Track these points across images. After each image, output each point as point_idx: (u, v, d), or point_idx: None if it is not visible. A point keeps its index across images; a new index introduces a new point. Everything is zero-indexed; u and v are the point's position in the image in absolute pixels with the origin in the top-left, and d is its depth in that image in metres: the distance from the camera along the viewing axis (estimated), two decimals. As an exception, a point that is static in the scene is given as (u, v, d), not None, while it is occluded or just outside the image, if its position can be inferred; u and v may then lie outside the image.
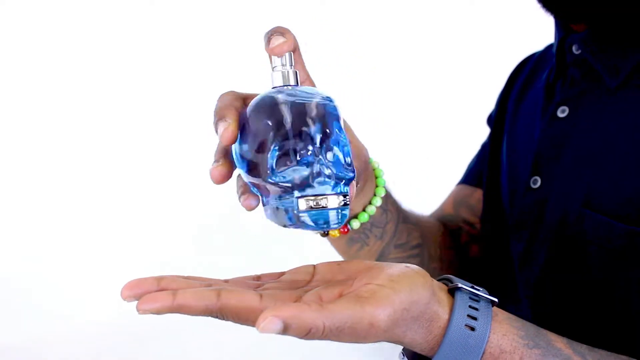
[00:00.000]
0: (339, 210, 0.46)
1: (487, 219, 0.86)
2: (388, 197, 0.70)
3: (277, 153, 0.45)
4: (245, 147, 0.47)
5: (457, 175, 0.96)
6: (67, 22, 1.58)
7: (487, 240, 0.86)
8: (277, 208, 0.47)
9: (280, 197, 0.46)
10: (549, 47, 0.86)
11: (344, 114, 0.59)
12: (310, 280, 0.49)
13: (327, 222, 0.45)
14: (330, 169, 0.46)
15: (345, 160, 0.47)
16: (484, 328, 0.46)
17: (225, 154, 0.49)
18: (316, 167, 0.45)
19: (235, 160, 0.49)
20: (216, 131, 0.47)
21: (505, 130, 0.85)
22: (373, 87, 1.68)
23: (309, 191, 0.45)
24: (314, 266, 0.50)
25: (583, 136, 0.68)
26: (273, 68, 0.48)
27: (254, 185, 0.48)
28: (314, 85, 0.56)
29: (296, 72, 0.49)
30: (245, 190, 0.50)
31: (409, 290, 0.43)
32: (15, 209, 1.50)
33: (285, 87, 0.48)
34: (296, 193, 0.45)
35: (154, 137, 1.64)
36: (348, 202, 0.46)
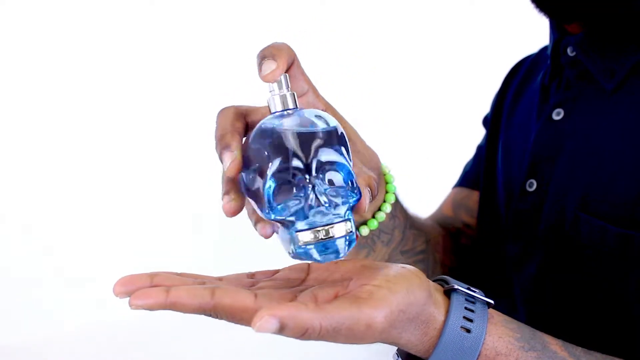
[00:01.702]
0: (347, 238, 0.44)
1: (482, 221, 0.86)
2: (397, 203, 0.69)
3: (273, 186, 0.43)
4: (248, 178, 0.45)
5: (456, 175, 0.96)
6: (67, 22, 1.58)
7: (482, 242, 0.86)
8: (284, 238, 0.45)
9: (286, 227, 0.44)
10: (544, 49, 0.86)
11: (347, 116, 0.59)
12: (305, 279, 0.49)
13: (335, 252, 0.44)
14: (329, 197, 0.43)
15: (348, 184, 0.44)
16: (480, 330, 0.46)
17: (233, 185, 0.47)
18: (313, 197, 0.43)
19: (242, 190, 0.47)
20: (220, 160, 0.45)
21: (501, 133, 0.85)
22: (373, 87, 1.68)
23: (309, 222, 0.43)
24: (309, 264, 0.50)
25: (578, 139, 0.68)
26: (270, 92, 0.47)
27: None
28: (317, 94, 0.54)
29: (294, 94, 0.47)
30: (259, 217, 0.48)
31: (406, 291, 0.43)
32: (14, 209, 1.51)
33: (286, 112, 0.46)
34: (299, 225, 0.43)
35: (150, 136, 1.63)
36: (352, 230, 0.44)
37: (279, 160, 0.43)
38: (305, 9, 1.68)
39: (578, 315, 0.67)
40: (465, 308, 0.47)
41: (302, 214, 0.43)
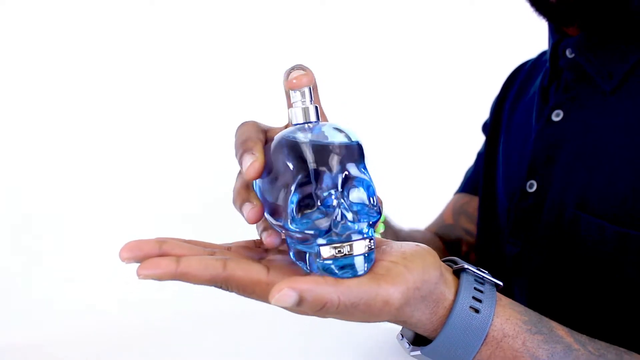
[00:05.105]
0: (365, 256, 0.42)
1: (482, 222, 0.86)
2: (387, 229, 0.69)
3: (297, 198, 0.42)
4: (266, 188, 0.44)
5: (455, 175, 0.97)
6: (67, 22, 1.58)
7: (482, 242, 0.87)
8: (300, 252, 0.44)
9: (303, 242, 0.43)
10: (542, 54, 0.87)
11: (346, 117, 0.59)
12: None
13: (353, 269, 0.42)
14: (353, 213, 0.42)
15: (370, 201, 0.43)
16: (489, 311, 0.46)
17: (251, 191, 0.46)
18: (338, 212, 0.42)
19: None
20: (240, 164, 0.44)
21: (501, 136, 0.86)
22: (373, 87, 1.68)
23: (332, 238, 0.42)
24: None
25: (577, 139, 0.69)
26: (293, 104, 0.46)
27: (276, 226, 0.45)
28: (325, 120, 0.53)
29: (317, 107, 0.45)
30: (267, 226, 0.47)
31: (421, 269, 0.43)
32: (15, 209, 1.50)
33: (307, 125, 0.45)
34: (319, 240, 0.42)
35: (151, 137, 1.63)
36: (374, 247, 0.43)
37: (305, 172, 0.42)
38: (305, 9, 1.68)
39: (578, 314, 0.67)
40: (475, 288, 0.47)
41: (325, 229, 0.42)
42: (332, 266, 0.41)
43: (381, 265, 0.42)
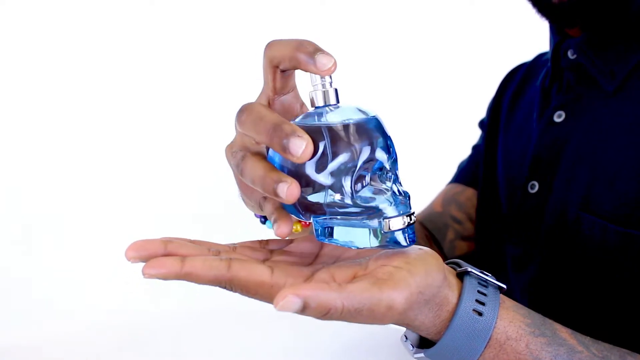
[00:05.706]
0: (407, 229, 0.44)
1: (482, 222, 0.86)
2: None
3: (355, 177, 0.43)
4: (303, 168, 0.44)
5: (451, 174, 0.97)
6: (68, 22, 1.58)
7: (482, 242, 0.87)
8: (334, 228, 0.45)
9: (353, 216, 0.44)
10: (539, 56, 0.87)
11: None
12: (319, 254, 0.48)
13: (409, 239, 0.44)
14: (401, 186, 0.45)
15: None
16: (492, 314, 0.46)
17: (279, 171, 0.44)
18: (394, 187, 0.44)
19: None
20: (286, 148, 0.41)
21: (500, 137, 0.86)
22: (372, 86, 1.68)
23: (393, 212, 0.44)
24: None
25: (580, 140, 0.69)
26: (313, 87, 0.46)
27: (305, 205, 0.45)
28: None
29: (336, 90, 0.46)
30: (280, 215, 0.46)
31: (424, 273, 0.43)
32: (15, 209, 1.50)
33: (328, 108, 0.45)
34: (387, 213, 0.44)
35: (154, 136, 1.63)
36: (415, 220, 0.45)
37: (357, 153, 0.43)
38: (305, 9, 1.68)
39: (579, 315, 0.67)
40: (478, 291, 0.47)
41: (387, 204, 0.44)
42: (398, 235, 0.43)
43: (384, 270, 0.43)
